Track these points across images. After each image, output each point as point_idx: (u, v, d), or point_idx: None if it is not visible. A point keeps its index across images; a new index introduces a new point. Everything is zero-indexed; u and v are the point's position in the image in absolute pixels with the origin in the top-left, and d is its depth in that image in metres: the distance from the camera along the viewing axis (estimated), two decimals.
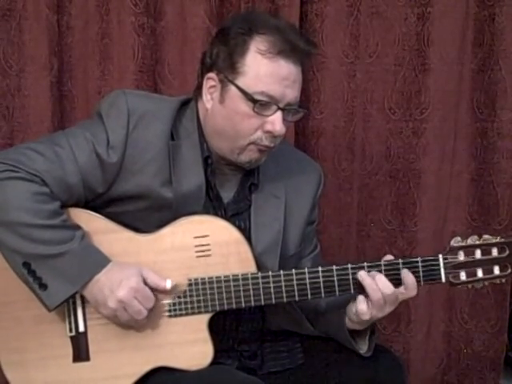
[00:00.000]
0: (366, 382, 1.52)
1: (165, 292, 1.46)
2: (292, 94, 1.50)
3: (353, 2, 2.19)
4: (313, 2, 2.18)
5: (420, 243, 2.32)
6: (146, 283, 1.44)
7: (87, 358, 1.48)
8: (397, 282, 1.48)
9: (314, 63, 2.19)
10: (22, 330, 1.48)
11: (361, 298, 1.47)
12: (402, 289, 1.48)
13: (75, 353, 1.48)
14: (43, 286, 1.41)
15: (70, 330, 1.48)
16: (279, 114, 1.49)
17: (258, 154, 1.53)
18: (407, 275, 1.48)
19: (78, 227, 1.45)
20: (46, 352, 1.48)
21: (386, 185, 2.32)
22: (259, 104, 1.47)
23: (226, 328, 1.57)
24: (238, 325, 1.60)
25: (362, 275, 1.47)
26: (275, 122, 1.48)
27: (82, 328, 1.48)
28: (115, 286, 1.41)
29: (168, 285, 1.45)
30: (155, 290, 1.45)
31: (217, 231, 1.50)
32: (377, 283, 1.46)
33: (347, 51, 2.21)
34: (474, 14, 2.23)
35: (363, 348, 1.54)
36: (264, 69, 1.46)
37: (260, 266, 1.51)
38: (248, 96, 1.47)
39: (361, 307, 1.47)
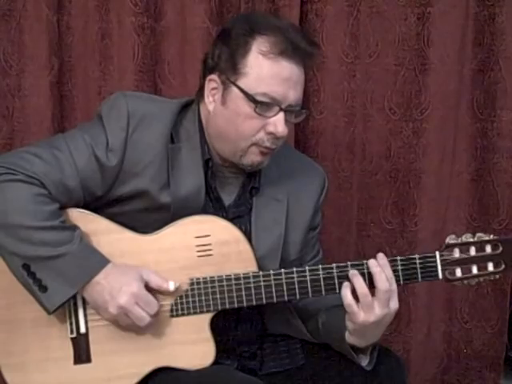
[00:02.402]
0: (367, 382, 1.51)
1: (167, 294, 1.45)
2: (294, 95, 1.48)
3: (353, 2, 2.19)
4: (313, 1, 2.18)
5: (420, 243, 2.31)
6: (148, 286, 1.44)
7: (88, 360, 1.47)
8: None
9: (314, 63, 2.19)
10: (21, 333, 1.47)
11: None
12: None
13: (76, 354, 1.47)
14: (43, 288, 1.40)
15: (71, 332, 1.47)
16: (281, 115, 1.47)
17: (260, 157, 1.52)
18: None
19: (75, 228, 1.44)
20: (46, 354, 1.47)
21: (385, 185, 2.32)
22: (261, 105, 1.45)
23: (225, 327, 1.56)
24: (237, 324, 1.59)
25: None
26: (277, 123, 1.47)
27: (83, 329, 1.47)
28: (115, 291, 1.41)
29: (171, 287, 1.45)
30: (158, 292, 1.45)
31: (218, 231, 1.50)
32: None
33: (347, 51, 2.21)
34: (473, 14, 2.23)
35: (364, 361, 1.51)
36: (266, 70, 1.45)
37: (261, 269, 1.50)
38: (250, 97, 1.46)
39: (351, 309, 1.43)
